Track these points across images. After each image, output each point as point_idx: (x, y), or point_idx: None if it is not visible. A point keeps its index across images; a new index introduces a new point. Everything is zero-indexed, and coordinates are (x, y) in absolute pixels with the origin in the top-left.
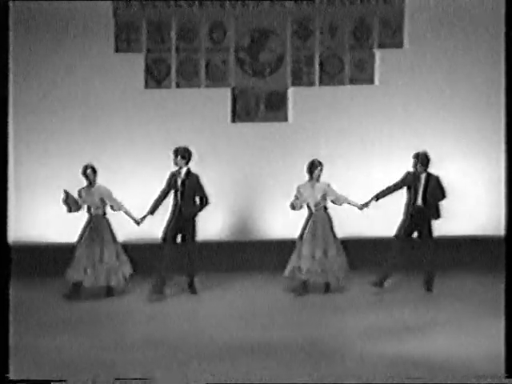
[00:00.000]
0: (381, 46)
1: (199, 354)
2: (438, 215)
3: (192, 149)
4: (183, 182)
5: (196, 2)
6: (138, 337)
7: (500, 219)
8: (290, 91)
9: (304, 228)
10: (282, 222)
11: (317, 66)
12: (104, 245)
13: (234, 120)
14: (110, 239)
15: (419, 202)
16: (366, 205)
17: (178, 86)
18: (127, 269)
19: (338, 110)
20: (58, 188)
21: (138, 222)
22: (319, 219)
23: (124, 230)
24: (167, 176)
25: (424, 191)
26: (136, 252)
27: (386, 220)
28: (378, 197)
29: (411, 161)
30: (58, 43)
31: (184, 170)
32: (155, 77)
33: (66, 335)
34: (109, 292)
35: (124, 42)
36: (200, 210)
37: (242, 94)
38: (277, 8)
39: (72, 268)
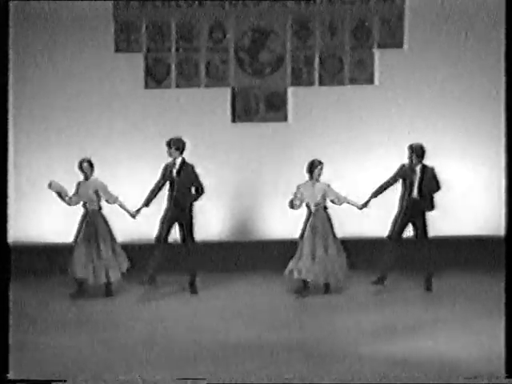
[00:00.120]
0: (381, 45)
1: (199, 354)
2: (432, 207)
3: (193, 149)
4: (178, 172)
5: (196, 2)
6: (137, 336)
7: (500, 219)
8: (290, 91)
9: (304, 228)
10: (282, 222)
11: (317, 66)
12: (100, 241)
13: (233, 120)
14: (105, 234)
15: (415, 193)
16: (366, 204)
17: (177, 85)
18: (124, 264)
19: (338, 110)
20: None
21: (133, 215)
22: (319, 219)
23: (124, 230)
24: (161, 168)
25: (420, 183)
26: (136, 252)
27: (386, 220)
28: (375, 194)
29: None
30: (57, 43)
31: (179, 161)
32: (155, 77)
33: (66, 335)
34: (108, 288)
35: (124, 41)
36: (196, 199)
37: (241, 93)
38: (277, 8)
39: (74, 266)
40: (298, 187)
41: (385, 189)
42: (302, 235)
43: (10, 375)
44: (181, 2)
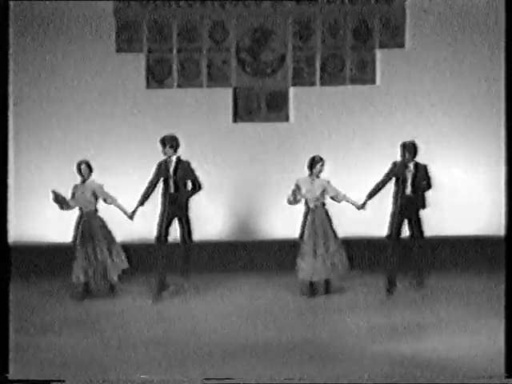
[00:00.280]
0: (382, 46)
1: (199, 354)
2: (424, 205)
3: (194, 149)
4: (175, 170)
5: (197, 2)
6: (137, 337)
7: (500, 219)
8: (291, 91)
9: (303, 226)
10: (283, 222)
11: (318, 66)
12: (96, 243)
13: (235, 120)
14: (101, 236)
15: (408, 191)
16: (363, 206)
17: (179, 86)
18: (122, 264)
19: (340, 110)
20: (58, 189)
21: (130, 217)
22: (318, 216)
23: (124, 230)
24: (154, 166)
25: (413, 180)
26: (136, 252)
27: (386, 220)
28: (370, 195)
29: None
30: (58, 43)
31: (174, 158)
32: (156, 77)
33: (66, 335)
34: (110, 288)
35: (125, 42)
36: (192, 194)
37: (243, 93)
38: (278, 8)
39: (75, 270)
40: (297, 181)
41: (380, 189)
42: (301, 235)
43: (10, 375)
44: (182, 2)
